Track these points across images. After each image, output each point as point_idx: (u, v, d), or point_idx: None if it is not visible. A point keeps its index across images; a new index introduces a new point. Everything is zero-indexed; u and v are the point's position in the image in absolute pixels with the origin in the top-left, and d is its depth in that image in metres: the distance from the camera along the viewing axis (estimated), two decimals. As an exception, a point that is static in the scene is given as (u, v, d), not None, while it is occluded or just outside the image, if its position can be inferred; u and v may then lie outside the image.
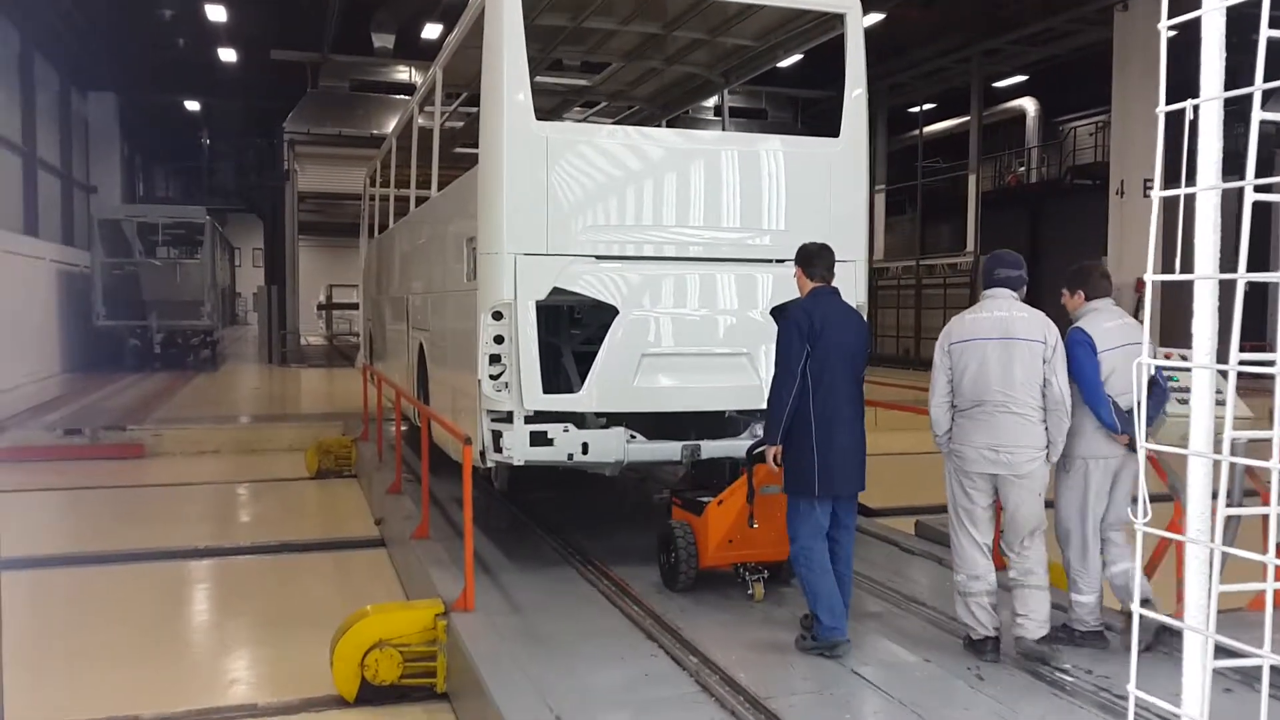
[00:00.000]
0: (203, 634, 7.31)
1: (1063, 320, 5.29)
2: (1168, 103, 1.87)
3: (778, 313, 6.59)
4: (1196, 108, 1.79)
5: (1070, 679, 4.70)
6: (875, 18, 22.03)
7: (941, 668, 4.88)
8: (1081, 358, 5.01)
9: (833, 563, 5.16)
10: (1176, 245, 1.99)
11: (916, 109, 32.82)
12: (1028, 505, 4.95)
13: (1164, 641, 5.00)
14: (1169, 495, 5.52)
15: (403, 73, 27.41)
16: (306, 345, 34.56)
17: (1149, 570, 5.56)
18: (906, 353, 31.73)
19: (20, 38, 22.80)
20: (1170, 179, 1.87)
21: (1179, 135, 1.84)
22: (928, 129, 33.13)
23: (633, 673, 4.86)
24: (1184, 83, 2.03)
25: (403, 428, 11.77)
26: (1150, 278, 1.88)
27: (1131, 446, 5.10)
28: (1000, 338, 4.92)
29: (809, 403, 5.07)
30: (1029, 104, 32.76)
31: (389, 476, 9.68)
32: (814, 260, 5.34)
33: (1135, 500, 2.01)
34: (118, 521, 10.56)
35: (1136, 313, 21.00)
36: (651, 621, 5.51)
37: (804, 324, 5.11)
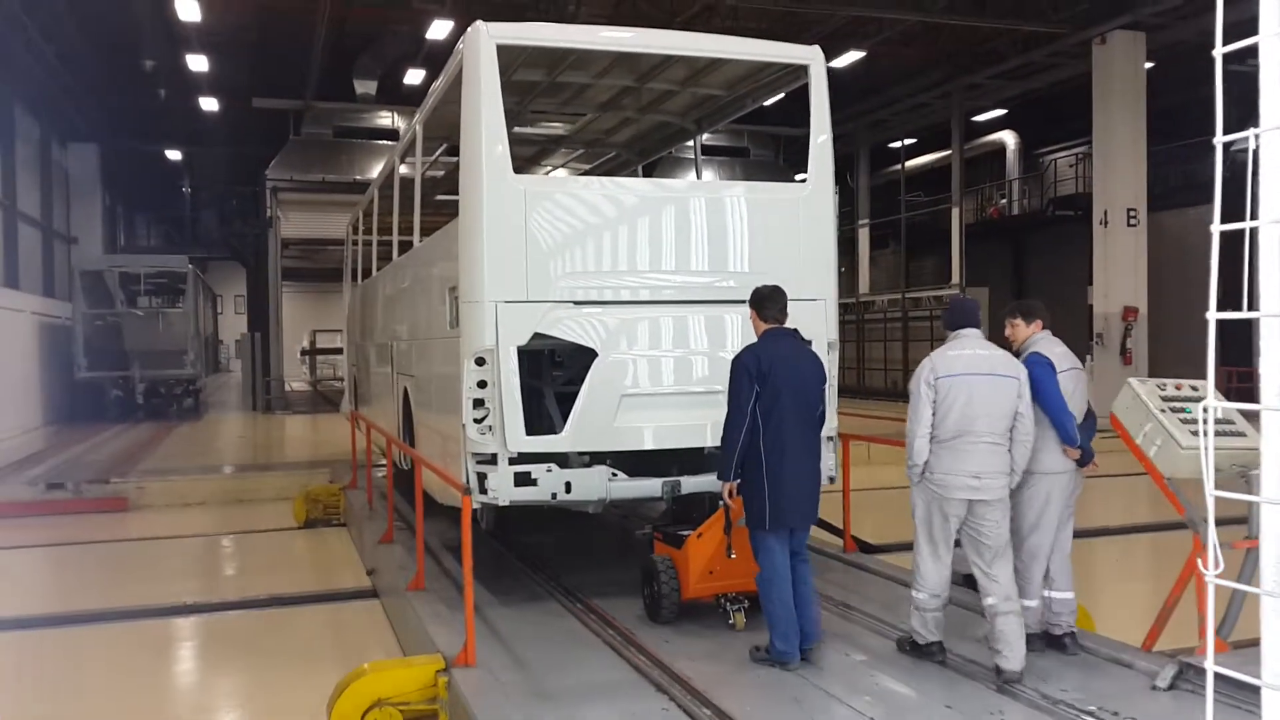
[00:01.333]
0: (193, 694, 7.09)
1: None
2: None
3: None
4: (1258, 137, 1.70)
5: (1096, 722, 4.56)
6: (856, 55, 22.03)
7: (963, 714, 4.73)
8: (1045, 378, 5.36)
9: (794, 585, 5.42)
10: (1224, 276, 1.90)
11: (898, 144, 33.05)
12: (1000, 526, 5.25)
13: (1187, 678, 4.90)
14: (1183, 524, 5.45)
15: (385, 118, 27.38)
16: (291, 391, 34.30)
17: (1169, 603, 5.46)
18: (894, 385, 31.69)
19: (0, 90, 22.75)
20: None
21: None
22: (910, 163, 33.34)
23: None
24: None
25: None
26: (1213, 315, 1.78)
27: (1080, 463, 5.48)
28: (988, 374, 5.23)
29: (759, 440, 5.34)
30: (1009, 137, 33.06)
31: (379, 525, 9.49)
32: (765, 303, 5.61)
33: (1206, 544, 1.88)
34: (103, 578, 10.31)
35: (1124, 341, 21.05)
36: (659, 671, 5.35)
37: (752, 366, 5.37)
